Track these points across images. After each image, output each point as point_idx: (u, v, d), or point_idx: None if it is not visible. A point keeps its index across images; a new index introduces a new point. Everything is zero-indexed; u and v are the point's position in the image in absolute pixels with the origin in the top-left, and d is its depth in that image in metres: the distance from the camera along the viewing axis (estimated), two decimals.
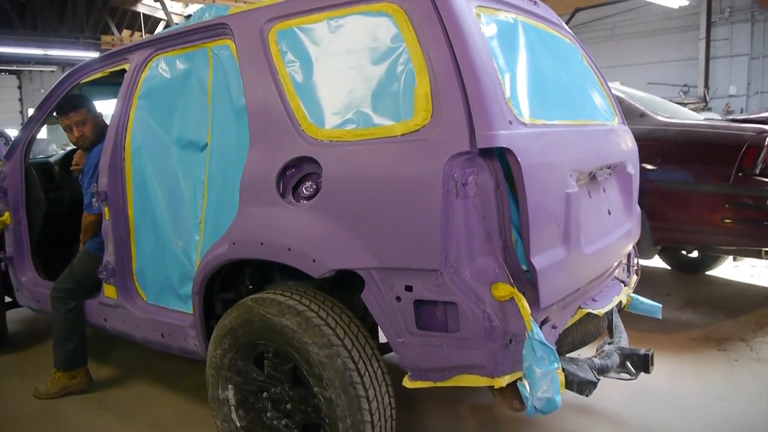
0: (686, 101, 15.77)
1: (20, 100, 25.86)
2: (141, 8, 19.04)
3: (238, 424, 2.22)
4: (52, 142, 13.21)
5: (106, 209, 2.71)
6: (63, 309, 2.96)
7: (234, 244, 2.14)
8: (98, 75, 3.02)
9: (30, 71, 24.42)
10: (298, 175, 2.04)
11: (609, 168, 2.47)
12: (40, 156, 5.07)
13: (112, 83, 3.41)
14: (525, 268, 1.79)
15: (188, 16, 18.67)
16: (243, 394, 2.21)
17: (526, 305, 1.71)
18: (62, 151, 4.84)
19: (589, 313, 2.21)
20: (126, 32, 20.05)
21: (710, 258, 5.05)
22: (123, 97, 2.72)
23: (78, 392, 3.08)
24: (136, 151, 2.66)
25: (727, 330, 3.81)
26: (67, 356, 3.00)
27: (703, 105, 16.05)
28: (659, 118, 4.21)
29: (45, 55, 17.88)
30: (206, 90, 2.42)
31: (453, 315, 1.74)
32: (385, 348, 2.05)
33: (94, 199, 2.74)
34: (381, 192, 1.80)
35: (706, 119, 4.90)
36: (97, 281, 2.97)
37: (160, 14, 18.66)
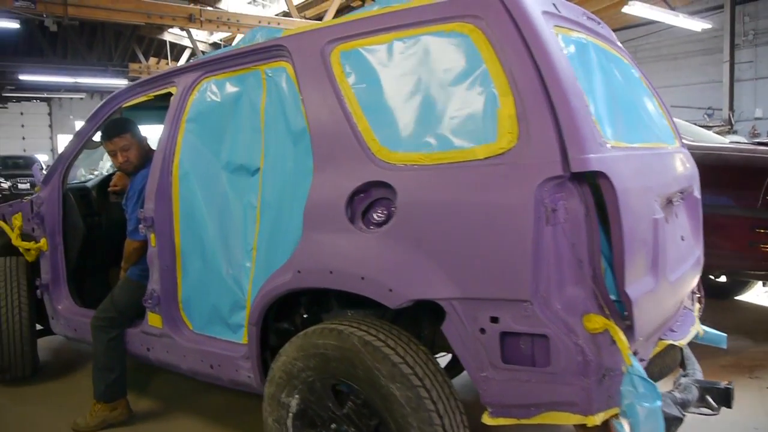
0: (711, 124, 15.57)
1: (50, 126, 26.43)
2: (167, 36, 19.40)
3: None
4: (79, 167, 13.32)
5: (152, 235, 2.60)
6: (105, 338, 2.85)
7: (299, 272, 2.02)
8: (142, 98, 2.95)
9: (60, 98, 24.99)
10: (367, 200, 1.93)
11: (681, 192, 2.33)
12: (75, 181, 5.03)
13: (154, 107, 3.36)
14: (614, 298, 1.65)
15: (214, 44, 19.01)
16: (308, 409, 2.05)
17: (623, 338, 1.58)
18: (97, 176, 4.75)
19: (668, 345, 2.07)
20: (153, 60, 20.41)
21: (739, 283, 4.87)
22: (170, 121, 2.63)
23: (118, 424, 2.95)
24: (184, 176, 2.56)
25: (758, 357, 3.65)
26: (108, 387, 2.87)
27: (729, 128, 15.83)
28: (684, 141, 4.06)
29: (75, 82, 18.24)
30: (258, 113, 2.34)
31: (542, 348, 1.61)
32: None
33: (140, 225, 2.64)
34: (464, 218, 1.69)
35: (731, 142, 4.75)
36: (139, 310, 2.87)
37: (186, 42, 18.97)
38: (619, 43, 2.63)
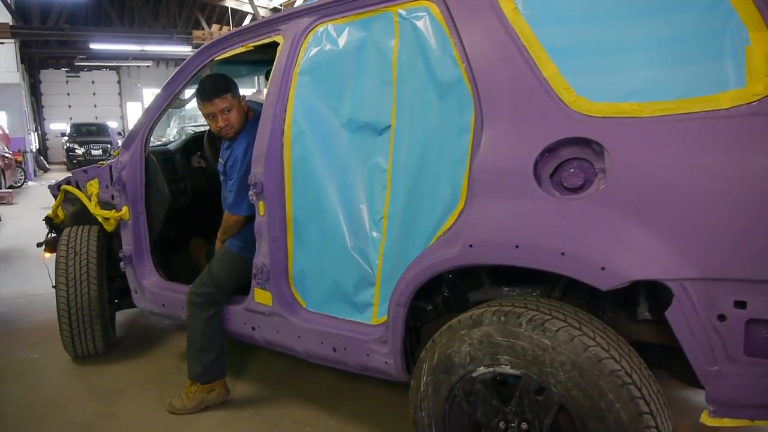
0: None
1: (119, 94, 26.86)
2: (229, 2, 19.17)
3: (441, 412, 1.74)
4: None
5: (260, 203, 2.23)
6: (203, 316, 2.53)
7: (471, 246, 1.65)
8: (239, 50, 2.54)
9: (128, 67, 25.28)
10: (555, 161, 1.53)
11: None
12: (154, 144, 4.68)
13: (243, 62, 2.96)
14: None
15: (274, 9, 18.61)
16: (473, 403, 1.69)
17: None
18: (165, 142, 4.31)
19: None
20: (215, 27, 20.25)
21: None
22: (280, 74, 2.24)
23: (215, 406, 2.66)
24: (297, 136, 2.18)
25: None
26: (207, 368, 2.57)
27: None
28: None
29: (142, 50, 18.22)
30: (389, 63, 1.97)
31: None
32: None
33: (251, 192, 2.27)
34: (706, 183, 1.32)
35: None
36: (239, 284, 2.53)
37: (247, 8, 18.68)
38: None
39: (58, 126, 24.00)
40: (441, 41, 1.82)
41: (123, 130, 24.03)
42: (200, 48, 2.72)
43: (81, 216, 3.34)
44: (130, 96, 26.80)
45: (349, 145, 2.09)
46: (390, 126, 1.98)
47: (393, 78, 1.96)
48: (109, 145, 18.30)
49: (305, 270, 2.25)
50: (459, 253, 1.69)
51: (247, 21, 19.66)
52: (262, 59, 3.18)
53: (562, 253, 1.49)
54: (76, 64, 23.33)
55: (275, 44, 2.34)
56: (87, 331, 3.10)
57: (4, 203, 10.41)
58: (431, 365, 1.71)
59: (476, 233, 1.66)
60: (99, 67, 25.06)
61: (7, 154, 12.71)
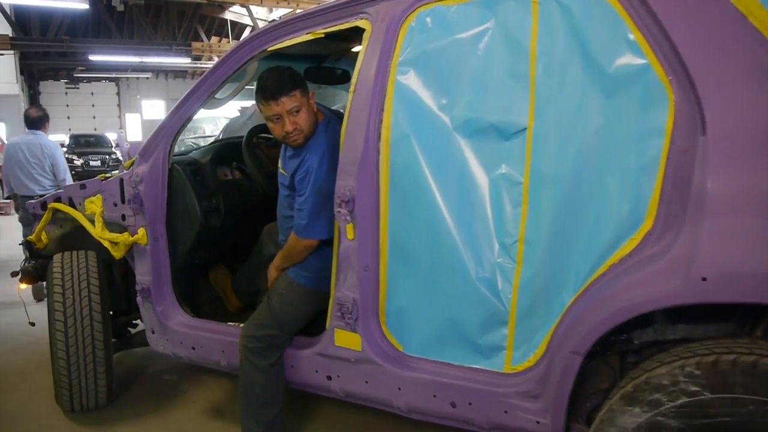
0: None
1: (118, 105, 26.25)
2: (228, 15, 18.70)
3: None
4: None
5: (349, 225, 1.69)
6: (263, 364, 1.99)
7: (705, 280, 1.23)
8: (300, 38, 2.00)
9: (127, 78, 24.69)
10: None
11: None
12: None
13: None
14: None
15: (272, 21, 18.11)
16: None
17: None
18: (198, 147, 3.65)
19: None
20: (214, 38, 19.70)
21: None
22: (373, 67, 1.76)
23: None
24: (399, 140, 1.70)
25: None
26: (269, 428, 2.01)
27: None
28: None
29: (141, 62, 17.66)
30: (525, 51, 1.54)
31: None
32: None
33: (341, 211, 1.74)
34: None
35: None
36: (305, 324, 1.99)
37: (246, 20, 18.15)
38: None
39: (57, 137, 23.20)
40: (610, 21, 1.43)
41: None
42: (249, 36, 2.17)
43: (70, 240, 2.72)
44: (129, 107, 26.20)
45: (465, 151, 1.62)
46: (524, 129, 1.53)
47: (530, 70, 1.53)
48: (107, 156, 17.58)
49: (405, 306, 1.76)
50: (683, 288, 1.25)
51: (246, 33, 19.17)
52: (300, 54, 2.65)
53: None
54: (75, 75, 22.64)
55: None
56: (89, 378, 2.48)
57: (2, 213, 9.75)
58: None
59: (715, 262, 1.23)
60: (98, 79, 24.44)
61: None
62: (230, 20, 18.93)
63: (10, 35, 13.55)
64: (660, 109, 1.37)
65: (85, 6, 12.51)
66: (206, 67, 19.01)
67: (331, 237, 1.88)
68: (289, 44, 2.04)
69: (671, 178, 1.36)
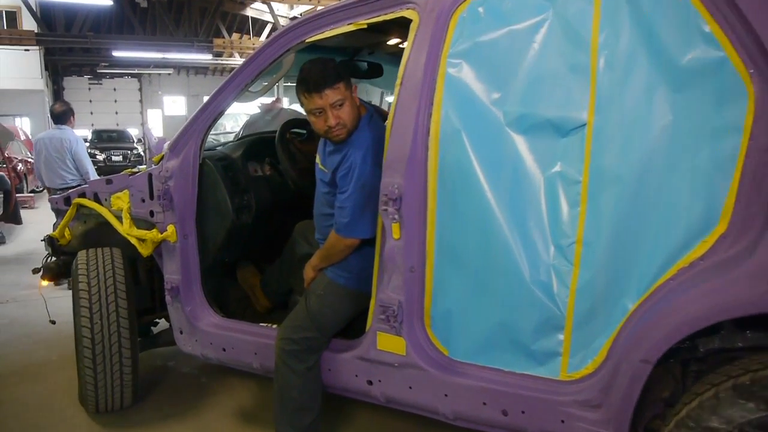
0: None
1: (140, 101, 26.44)
2: (249, 12, 18.75)
3: None
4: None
5: (395, 224, 1.60)
6: (300, 367, 1.91)
7: None
8: (342, 29, 1.91)
9: (149, 74, 24.82)
10: None
11: None
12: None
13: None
14: None
15: (294, 18, 18.08)
16: None
17: None
18: (224, 143, 3.38)
19: None
20: (236, 35, 19.75)
21: None
22: (421, 59, 1.66)
23: None
24: (450, 136, 1.60)
25: None
26: None
27: None
28: None
29: (163, 58, 17.73)
30: (585, 43, 1.46)
31: None
32: None
33: (387, 210, 1.65)
34: None
35: None
36: (345, 325, 1.91)
37: (267, 17, 18.16)
38: None
39: (80, 132, 23.36)
40: (681, 12, 1.35)
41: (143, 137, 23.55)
42: (287, 25, 2.08)
43: (93, 236, 2.64)
44: (151, 103, 26.39)
45: (518, 148, 1.53)
46: (584, 124, 1.44)
47: (591, 63, 1.44)
48: (129, 152, 17.69)
49: (452, 309, 1.67)
50: None
51: (267, 30, 19.21)
52: (333, 46, 2.56)
53: None
54: (98, 71, 22.86)
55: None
56: (115, 379, 2.40)
57: (26, 207, 9.85)
58: None
59: None
60: (121, 75, 24.61)
61: (29, 159, 12.17)
62: (251, 17, 18.97)
63: (36, 31, 13.66)
64: (737, 105, 1.28)
65: (109, 2, 12.62)
66: (227, 64, 19.11)
67: (373, 236, 1.79)
68: (330, 35, 1.95)
69: (750, 178, 1.27)
